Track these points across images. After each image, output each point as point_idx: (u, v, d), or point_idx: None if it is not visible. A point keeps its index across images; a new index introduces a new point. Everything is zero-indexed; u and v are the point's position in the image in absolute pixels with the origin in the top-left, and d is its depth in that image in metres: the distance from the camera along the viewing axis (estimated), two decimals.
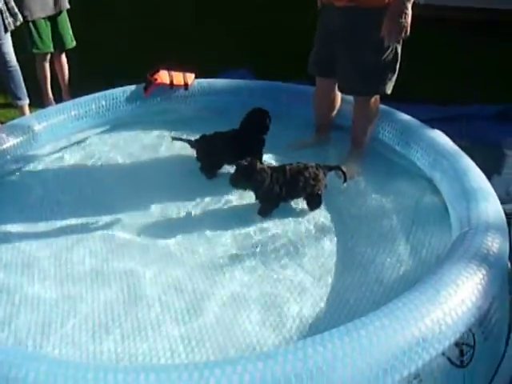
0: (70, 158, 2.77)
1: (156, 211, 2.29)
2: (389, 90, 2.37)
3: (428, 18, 6.06)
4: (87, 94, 2.97)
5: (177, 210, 2.30)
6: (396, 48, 2.25)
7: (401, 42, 2.24)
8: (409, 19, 2.08)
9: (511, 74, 4.15)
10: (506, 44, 5.02)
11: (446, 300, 1.30)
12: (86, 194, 2.43)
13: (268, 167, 2.16)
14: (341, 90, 2.55)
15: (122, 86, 3.07)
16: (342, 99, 2.73)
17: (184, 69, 3.13)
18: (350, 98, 2.59)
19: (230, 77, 3.54)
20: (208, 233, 2.12)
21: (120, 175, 2.62)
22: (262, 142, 2.52)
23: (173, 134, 2.79)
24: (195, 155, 2.54)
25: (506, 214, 1.91)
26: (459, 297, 1.32)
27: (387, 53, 2.23)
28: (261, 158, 2.45)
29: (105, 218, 2.22)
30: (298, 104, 2.96)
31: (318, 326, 1.64)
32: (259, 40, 5.11)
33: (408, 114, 2.70)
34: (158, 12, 6.10)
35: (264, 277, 1.88)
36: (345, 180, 2.28)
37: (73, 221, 2.21)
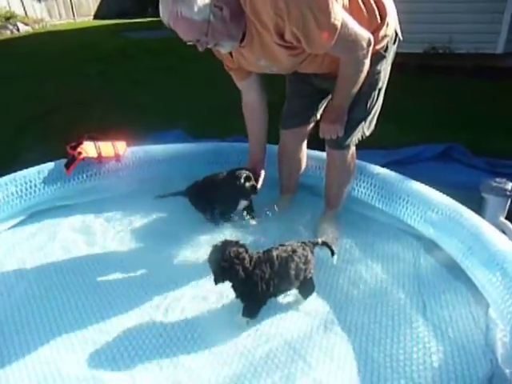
0: None
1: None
2: (368, 132, 2.09)
3: None
4: None
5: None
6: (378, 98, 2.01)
7: (382, 89, 1.99)
8: (343, 123, 1.96)
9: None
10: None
11: None
12: None
13: (252, 256, 1.69)
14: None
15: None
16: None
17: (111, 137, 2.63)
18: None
19: (164, 139, 3.12)
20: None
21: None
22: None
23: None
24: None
25: None
26: None
27: (372, 104, 1.99)
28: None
29: None
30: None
31: None
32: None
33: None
34: None
35: None
36: (332, 254, 1.89)
37: None
